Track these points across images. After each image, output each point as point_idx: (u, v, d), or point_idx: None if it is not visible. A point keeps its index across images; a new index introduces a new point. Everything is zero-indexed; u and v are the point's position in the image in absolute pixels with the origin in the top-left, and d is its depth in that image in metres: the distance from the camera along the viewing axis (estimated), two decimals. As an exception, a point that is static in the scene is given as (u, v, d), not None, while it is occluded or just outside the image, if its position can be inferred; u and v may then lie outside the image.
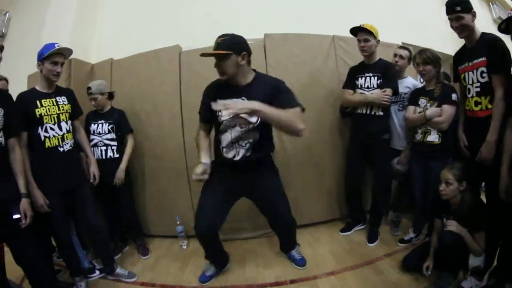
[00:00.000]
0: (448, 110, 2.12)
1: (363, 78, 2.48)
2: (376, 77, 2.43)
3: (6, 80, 2.49)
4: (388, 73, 2.40)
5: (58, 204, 1.90)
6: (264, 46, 2.80)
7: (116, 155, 2.54)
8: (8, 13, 4.49)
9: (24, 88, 2.84)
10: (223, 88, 1.80)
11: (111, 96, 2.65)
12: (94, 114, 2.58)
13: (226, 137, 1.82)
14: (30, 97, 1.91)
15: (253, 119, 1.72)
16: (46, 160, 1.89)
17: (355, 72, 2.55)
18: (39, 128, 1.88)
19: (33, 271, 1.73)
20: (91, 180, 2.24)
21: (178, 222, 2.78)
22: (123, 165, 2.54)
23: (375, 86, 2.43)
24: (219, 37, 1.72)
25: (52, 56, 1.88)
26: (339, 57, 2.86)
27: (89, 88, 2.54)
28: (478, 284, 1.84)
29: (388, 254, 2.35)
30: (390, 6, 3.51)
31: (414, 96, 2.37)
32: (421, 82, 2.48)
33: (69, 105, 2.06)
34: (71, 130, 2.06)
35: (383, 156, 2.50)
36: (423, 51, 2.25)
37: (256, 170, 1.91)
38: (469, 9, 1.83)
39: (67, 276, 2.26)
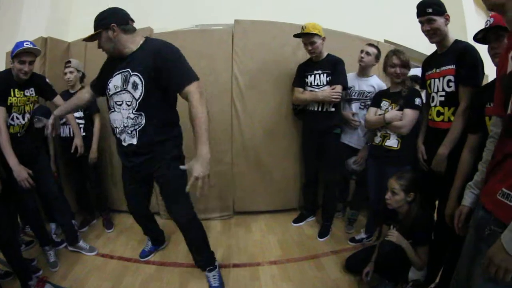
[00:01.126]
0: (409, 114, 2.03)
1: (312, 76, 2.47)
2: (325, 74, 2.42)
3: None
4: (337, 69, 2.38)
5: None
6: (232, 33, 2.76)
7: (83, 133, 2.62)
8: None
9: (1, 66, 2.95)
10: (114, 60, 1.68)
11: (83, 77, 2.72)
12: (64, 94, 2.62)
13: (116, 117, 1.70)
14: (7, 82, 2.00)
15: (136, 94, 1.59)
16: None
17: (303, 70, 2.53)
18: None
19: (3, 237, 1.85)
20: (72, 151, 2.41)
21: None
22: (94, 145, 2.67)
23: (325, 83, 2.42)
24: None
25: (20, 55, 1.94)
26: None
27: (68, 61, 2.62)
28: None
29: (336, 251, 2.40)
30: (372, 1, 3.37)
31: (377, 97, 2.30)
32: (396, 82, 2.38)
33: (35, 96, 2.17)
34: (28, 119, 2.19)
35: (333, 150, 2.51)
36: (399, 52, 2.13)
37: (148, 158, 1.71)
38: (441, 12, 1.69)
39: (38, 247, 2.41)
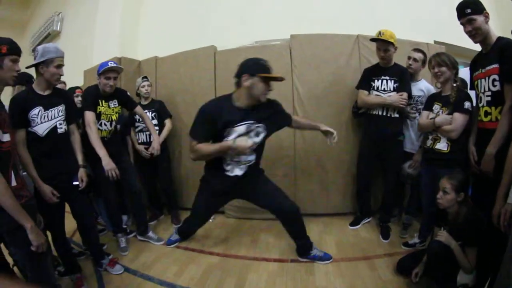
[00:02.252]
0: (458, 118, 2.03)
1: (380, 81, 2.54)
2: (393, 81, 2.49)
3: (64, 83, 3.05)
4: (404, 78, 2.46)
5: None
6: (289, 47, 3.00)
7: None
8: (61, 14, 5.40)
9: (80, 82, 3.55)
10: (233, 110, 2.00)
11: None
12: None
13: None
14: (96, 94, 2.48)
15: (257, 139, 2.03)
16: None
17: (370, 74, 2.61)
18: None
19: (83, 224, 2.28)
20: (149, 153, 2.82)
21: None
22: (161, 138, 3.02)
23: (392, 89, 2.49)
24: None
25: (106, 72, 2.40)
26: (363, 56, 2.92)
27: (145, 76, 3.09)
28: None
29: (389, 254, 2.42)
30: (419, 2, 3.32)
31: (429, 101, 2.32)
32: (438, 88, 2.39)
33: (117, 107, 2.60)
34: (117, 127, 2.66)
35: (396, 157, 2.57)
36: (438, 54, 2.19)
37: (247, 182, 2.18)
38: (480, 10, 1.70)
39: (108, 235, 2.89)
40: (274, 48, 3.08)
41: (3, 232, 1.46)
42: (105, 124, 2.52)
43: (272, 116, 2.12)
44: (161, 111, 3.14)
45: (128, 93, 2.80)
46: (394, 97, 2.45)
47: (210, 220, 3.21)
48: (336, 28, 2.97)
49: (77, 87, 3.10)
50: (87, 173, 2.24)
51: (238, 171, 2.11)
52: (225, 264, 2.42)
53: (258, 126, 2.04)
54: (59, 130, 2.04)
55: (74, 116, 2.23)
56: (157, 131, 3.03)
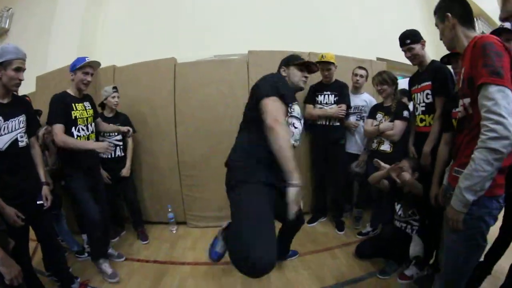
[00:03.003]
0: (398, 125, 2.54)
1: (322, 96, 2.98)
2: (333, 95, 2.94)
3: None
4: (343, 92, 2.92)
5: (85, 187, 2.28)
6: (247, 62, 3.23)
7: (122, 154, 2.95)
8: (11, 9, 4.81)
9: (31, 89, 3.24)
10: None
11: None
12: (102, 118, 2.82)
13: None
14: (68, 99, 2.27)
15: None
16: (77, 154, 2.24)
17: (315, 90, 3.03)
18: (73, 128, 2.25)
19: (50, 246, 2.08)
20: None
21: (169, 210, 3.23)
22: (128, 163, 2.99)
23: (333, 102, 2.94)
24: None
25: (84, 67, 2.24)
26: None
27: (116, 87, 2.89)
28: (419, 273, 2.13)
29: (346, 243, 2.78)
30: (363, 24, 3.89)
31: (373, 111, 2.81)
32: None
33: (91, 110, 2.43)
34: (94, 131, 2.43)
35: (339, 158, 3.00)
36: (380, 73, 2.68)
37: None
38: (418, 40, 2.17)
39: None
40: (232, 62, 3.27)
41: None
42: (82, 129, 2.32)
43: None
44: (127, 126, 2.96)
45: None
46: (334, 109, 2.90)
47: (173, 231, 3.22)
48: (290, 45, 3.25)
49: (25, 96, 2.82)
50: (50, 190, 2.08)
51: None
52: (198, 271, 2.47)
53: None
54: (20, 144, 1.84)
55: (35, 127, 2.06)
56: (122, 147, 2.96)
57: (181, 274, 2.43)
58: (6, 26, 4.73)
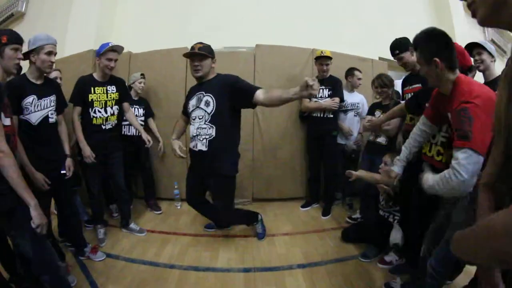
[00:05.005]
0: (394, 121, 2.71)
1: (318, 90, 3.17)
2: (327, 89, 3.18)
3: (59, 70, 2.95)
4: (337, 86, 3.16)
5: (96, 164, 2.54)
6: (254, 54, 3.46)
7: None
8: None
9: None
10: (195, 85, 2.40)
11: None
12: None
13: (191, 129, 2.33)
14: (88, 83, 2.51)
15: (208, 108, 2.22)
16: (92, 133, 2.52)
17: None
18: (90, 109, 2.50)
19: (68, 212, 2.31)
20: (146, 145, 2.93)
21: (176, 187, 3.53)
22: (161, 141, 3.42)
23: (326, 96, 3.18)
24: (198, 43, 2.30)
25: (107, 53, 2.44)
26: (315, 68, 3.45)
27: (143, 74, 3.23)
28: (398, 260, 2.29)
29: (335, 228, 3.01)
30: (366, 24, 4.02)
31: (372, 108, 3.04)
32: (376, 98, 3.09)
33: (117, 93, 2.62)
34: (115, 113, 2.63)
35: (332, 148, 3.24)
36: (379, 77, 2.87)
37: (210, 168, 2.31)
38: (405, 49, 2.30)
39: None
40: (240, 54, 3.52)
41: (6, 214, 1.43)
42: (99, 111, 2.54)
43: (223, 88, 2.25)
44: (147, 110, 3.36)
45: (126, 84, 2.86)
46: (327, 102, 3.14)
47: (178, 207, 3.52)
48: (294, 41, 3.50)
49: None
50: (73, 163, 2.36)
51: (201, 146, 2.26)
52: (198, 242, 2.75)
53: (206, 96, 2.25)
54: (50, 120, 2.12)
55: (63, 106, 2.30)
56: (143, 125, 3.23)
57: (182, 243, 2.72)
58: (23, 10, 4.80)
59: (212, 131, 2.23)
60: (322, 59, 3.12)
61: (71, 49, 3.59)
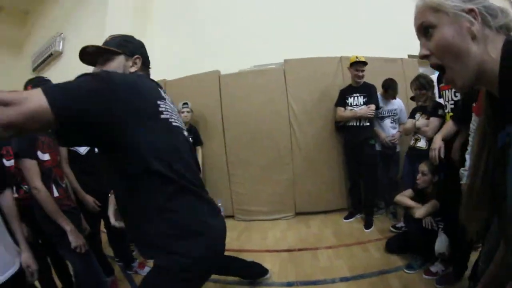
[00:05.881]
0: (433, 122, 2.58)
1: (352, 98, 3.14)
2: (362, 97, 3.10)
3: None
4: (372, 93, 3.06)
5: None
6: (283, 70, 3.53)
7: None
8: (62, 34, 5.55)
9: None
10: None
11: None
12: None
13: None
14: None
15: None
16: None
17: (345, 93, 3.19)
18: None
19: (118, 234, 2.43)
20: None
21: (219, 204, 3.66)
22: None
23: (362, 103, 3.09)
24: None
25: None
26: (345, 75, 3.45)
27: (186, 103, 3.36)
28: (444, 270, 2.16)
29: (379, 239, 2.89)
30: (391, 22, 3.83)
31: (413, 112, 2.89)
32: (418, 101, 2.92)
33: None
34: None
35: (370, 157, 3.13)
36: (418, 78, 2.74)
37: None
38: None
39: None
40: (271, 71, 3.61)
41: (54, 237, 1.70)
42: None
43: None
44: (196, 137, 3.48)
45: None
46: (363, 110, 3.05)
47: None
48: (321, 52, 3.50)
49: None
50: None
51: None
52: (241, 256, 2.81)
53: None
54: (96, 150, 2.29)
55: None
56: None
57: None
58: (60, 49, 5.49)
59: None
60: (357, 65, 3.06)
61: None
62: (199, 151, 3.57)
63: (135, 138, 0.92)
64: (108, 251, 2.72)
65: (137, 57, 1.24)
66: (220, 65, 3.75)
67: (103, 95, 0.85)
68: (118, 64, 1.19)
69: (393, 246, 2.58)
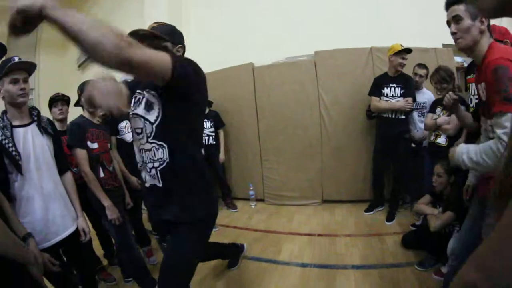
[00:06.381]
0: (454, 119, 2.46)
1: (388, 88, 3.04)
2: (399, 88, 2.99)
3: None
4: (409, 85, 2.95)
5: None
6: (314, 61, 3.60)
7: (214, 142, 3.79)
8: None
9: None
10: None
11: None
12: None
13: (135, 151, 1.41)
14: None
15: (152, 116, 1.25)
16: None
17: (380, 82, 3.10)
18: None
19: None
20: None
21: (251, 188, 3.98)
22: (222, 153, 3.83)
23: (399, 95, 2.99)
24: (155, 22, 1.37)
25: None
26: (376, 66, 3.40)
27: None
28: None
29: (398, 233, 2.91)
30: (425, 10, 3.53)
31: (433, 105, 2.80)
32: (438, 94, 2.82)
33: None
34: None
35: (404, 152, 3.06)
36: (437, 71, 2.63)
37: (167, 219, 1.32)
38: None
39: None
40: (302, 63, 3.70)
41: (98, 210, 2.05)
42: None
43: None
44: (217, 121, 3.85)
45: None
46: (401, 102, 2.96)
47: (252, 206, 3.97)
48: (352, 42, 3.46)
49: None
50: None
51: (150, 180, 1.32)
52: (266, 237, 3.10)
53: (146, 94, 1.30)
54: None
55: None
56: (213, 137, 3.78)
57: (252, 237, 3.10)
58: None
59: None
60: (402, 53, 2.93)
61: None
62: (220, 133, 3.87)
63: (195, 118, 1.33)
64: (147, 225, 3.19)
65: (180, 46, 1.41)
66: (253, 58, 3.93)
67: (200, 83, 1.25)
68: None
69: (409, 241, 2.61)
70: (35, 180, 1.54)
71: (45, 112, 2.10)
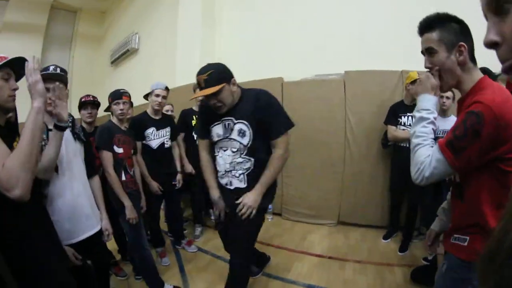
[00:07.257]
0: None
1: (406, 117, 2.96)
2: None
3: (171, 104, 3.71)
4: None
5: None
6: (344, 81, 3.58)
7: None
8: (137, 34, 6.31)
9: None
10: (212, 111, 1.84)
11: None
12: None
13: (219, 161, 1.93)
14: (188, 114, 3.33)
15: (244, 141, 1.80)
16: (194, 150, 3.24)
17: (397, 111, 3.03)
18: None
19: (175, 213, 3.13)
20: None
21: (269, 201, 4.03)
22: None
23: None
24: (202, 73, 1.69)
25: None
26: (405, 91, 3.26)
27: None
28: None
29: (409, 265, 2.79)
30: None
31: None
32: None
33: None
34: None
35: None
36: None
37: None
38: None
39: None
40: (331, 81, 3.69)
41: (118, 208, 2.21)
42: None
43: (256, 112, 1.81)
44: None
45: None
46: None
47: (269, 220, 4.01)
48: (382, 65, 3.39)
49: None
50: (183, 177, 3.16)
51: (238, 183, 1.89)
52: (278, 253, 3.12)
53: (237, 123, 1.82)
54: (165, 145, 2.89)
55: (175, 135, 3.09)
56: None
57: (264, 251, 3.12)
58: (136, 47, 6.33)
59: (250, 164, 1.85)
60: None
61: (181, 81, 4.45)
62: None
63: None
64: (163, 226, 3.38)
65: (233, 78, 1.80)
66: (283, 73, 3.97)
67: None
68: (228, 91, 1.76)
69: (418, 276, 2.52)
70: (67, 181, 1.67)
71: (73, 110, 2.14)
